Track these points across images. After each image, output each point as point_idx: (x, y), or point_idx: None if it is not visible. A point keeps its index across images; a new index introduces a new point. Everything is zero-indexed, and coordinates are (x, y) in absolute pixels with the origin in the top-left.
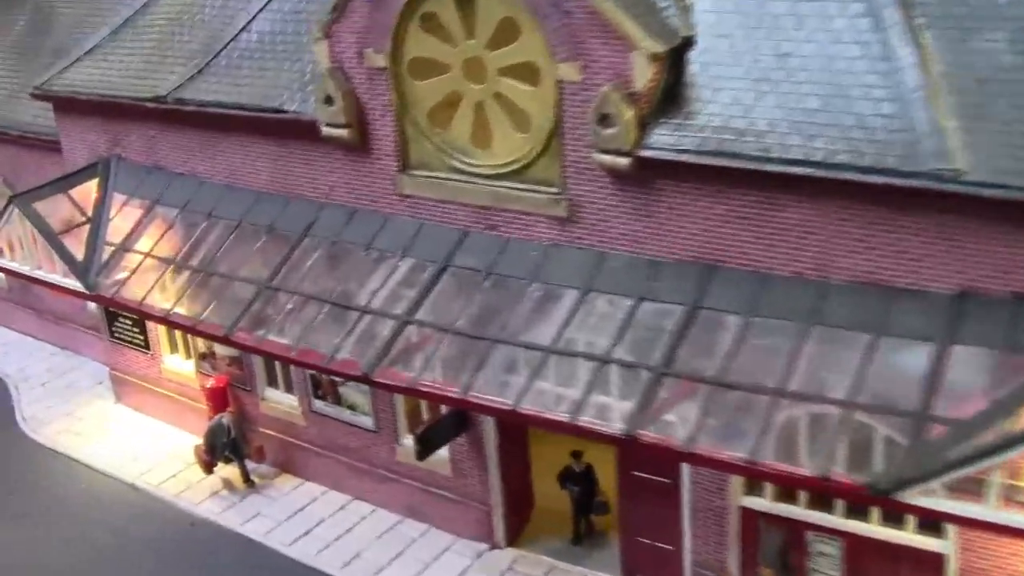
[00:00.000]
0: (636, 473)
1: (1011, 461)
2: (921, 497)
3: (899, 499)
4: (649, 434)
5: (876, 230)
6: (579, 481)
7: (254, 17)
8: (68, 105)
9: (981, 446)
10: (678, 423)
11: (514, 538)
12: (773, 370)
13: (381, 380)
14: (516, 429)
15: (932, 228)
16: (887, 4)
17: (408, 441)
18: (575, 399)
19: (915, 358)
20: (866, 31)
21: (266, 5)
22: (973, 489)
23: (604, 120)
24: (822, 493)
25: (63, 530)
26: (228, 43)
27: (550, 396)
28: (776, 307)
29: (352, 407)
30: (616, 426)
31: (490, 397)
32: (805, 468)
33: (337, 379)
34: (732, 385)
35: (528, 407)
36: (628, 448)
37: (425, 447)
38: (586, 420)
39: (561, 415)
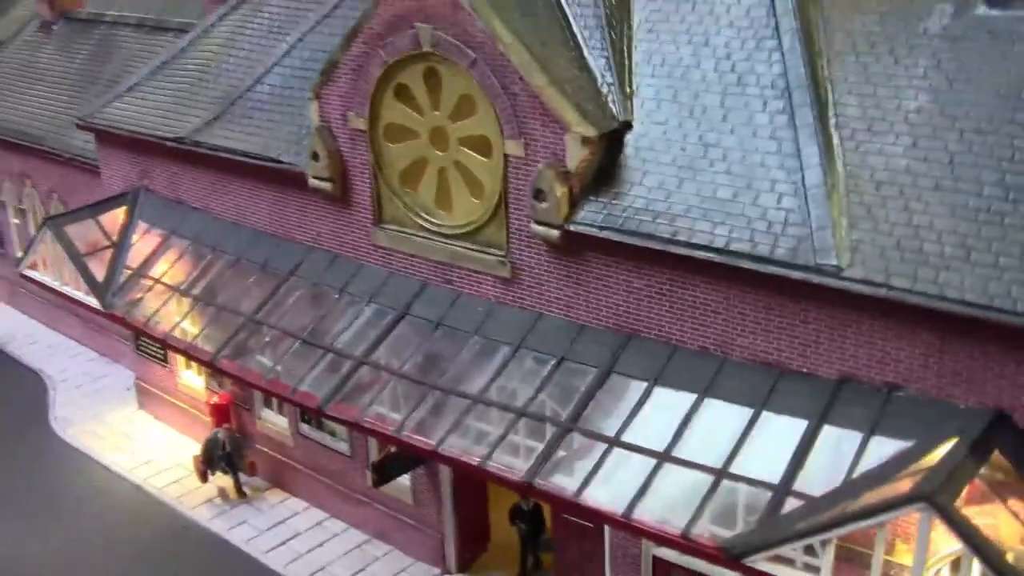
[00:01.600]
0: (566, 516)
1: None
2: (766, 563)
3: (747, 563)
4: (543, 484)
5: (771, 315)
6: (527, 519)
7: (268, 71)
8: (106, 138)
9: (820, 521)
10: (571, 476)
11: (465, 567)
12: (664, 435)
13: (333, 414)
14: None
15: (817, 317)
16: (803, 104)
17: None
18: (489, 445)
19: (790, 435)
20: (781, 127)
21: (279, 60)
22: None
23: (539, 195)
24: (688, 552)
25: (67, 525)
26: (243, 93)
27: (469, 441)
28: (678, 377)
29: (332, 432)
30: (517, 474)
31: (417, 438)
32: (672, 527)
33: None
34: (625, 445)
35: (447, 450)
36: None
37: (381, 476)
38: (493, 466)
39: (473, 459)
